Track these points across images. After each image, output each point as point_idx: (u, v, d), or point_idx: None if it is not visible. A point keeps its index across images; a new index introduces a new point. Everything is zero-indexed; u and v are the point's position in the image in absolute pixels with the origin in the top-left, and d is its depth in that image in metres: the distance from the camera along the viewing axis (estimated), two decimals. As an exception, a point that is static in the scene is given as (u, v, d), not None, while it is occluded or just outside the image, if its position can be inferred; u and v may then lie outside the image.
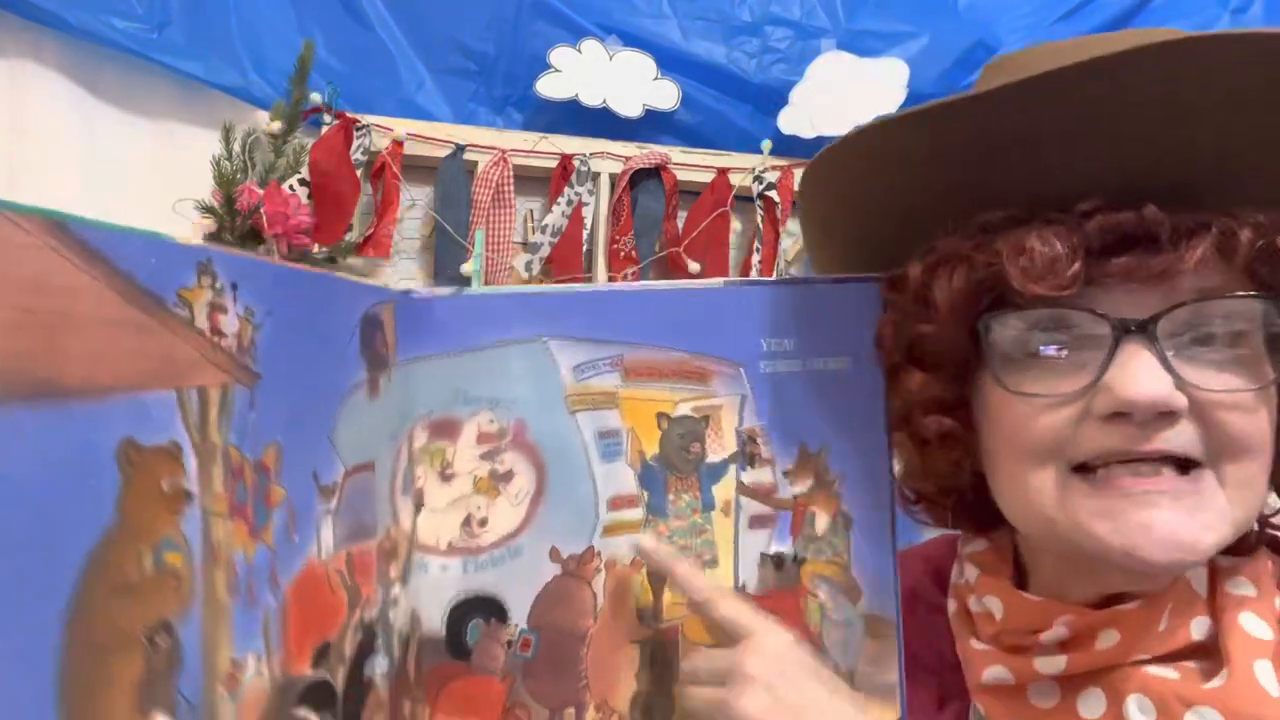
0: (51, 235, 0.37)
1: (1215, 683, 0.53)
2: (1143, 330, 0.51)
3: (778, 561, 0.62)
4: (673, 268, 1.57)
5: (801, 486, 0.62)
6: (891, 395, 0.61)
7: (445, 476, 0.60)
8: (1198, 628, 0.56)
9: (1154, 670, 0.54)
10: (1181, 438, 0.51)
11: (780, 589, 0.62)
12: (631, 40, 1.59)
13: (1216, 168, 0.52)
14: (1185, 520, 0.51)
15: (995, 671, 0.58)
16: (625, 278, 1.53)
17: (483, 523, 0.60)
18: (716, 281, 0.62)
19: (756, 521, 0.62)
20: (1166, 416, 0.50)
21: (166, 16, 1.44)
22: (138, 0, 1.42)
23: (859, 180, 0.59)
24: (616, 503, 0.61)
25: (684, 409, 0.62)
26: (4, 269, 0.34)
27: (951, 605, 0.64)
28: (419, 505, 0.59)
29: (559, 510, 0.61)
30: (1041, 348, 0.54)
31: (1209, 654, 0.55)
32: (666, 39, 1.60)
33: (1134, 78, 0.49)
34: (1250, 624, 0.55)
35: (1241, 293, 0.52)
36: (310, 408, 0.49)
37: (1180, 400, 0.50)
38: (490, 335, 0.60)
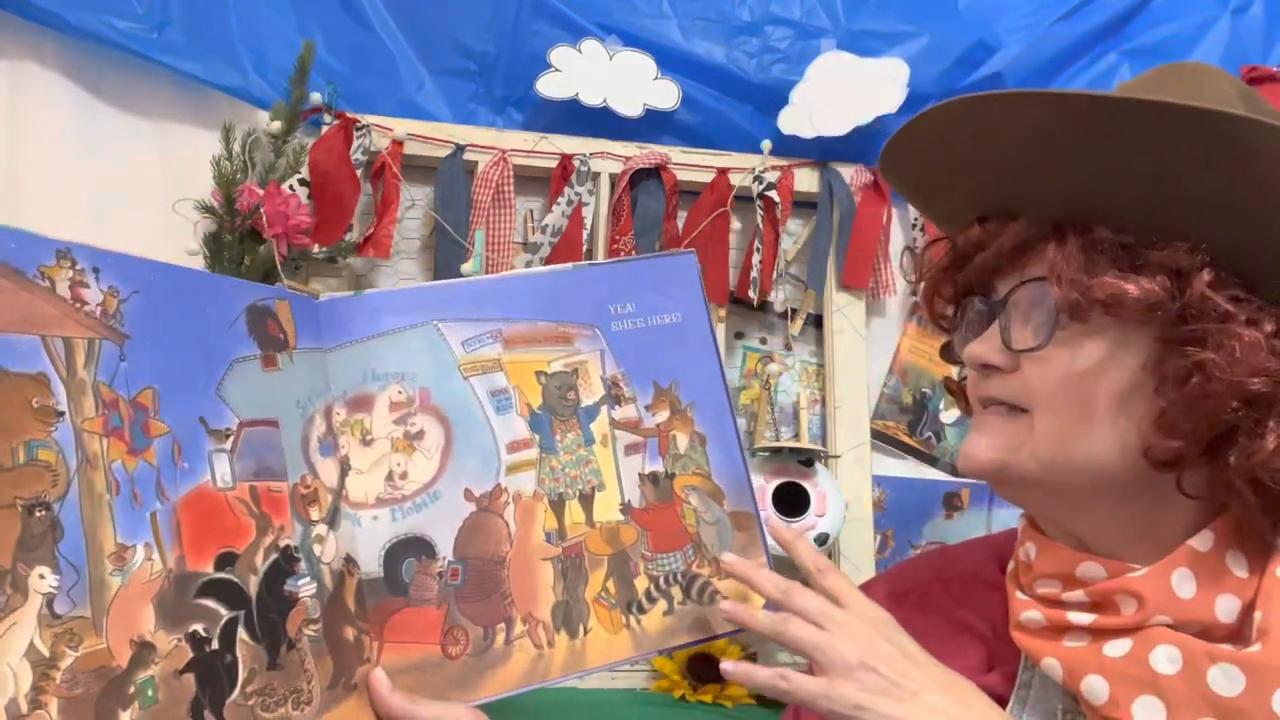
0: None
1: (1251, 649, 0.59)
2: (999, 305, 0.69)
3: (653, 479, 0.76)
4: (673, 268, 1.57)
5: (662, 416, 0.77)
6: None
7: (366, 442, 0.72)
8: (1224, 605, 0.62)
9: (1185, 635, 0.61)
10: (1001, 387, 0.68)
11: (659, 501, 0.76)
12: (631, 40, 1.59)
13: (1032, 187, 0.67)
14: (977, 444, 0.69)
15: (1030, 614, 0.68)
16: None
17: (404, 476, 0.72)
18: (567, 266, 0.79)
19: (630, 449, 0.76)
20: (991, 369, 0.68)
21: (166, 16, 1.44)
22: (138, 0, 1.42)
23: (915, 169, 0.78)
24: (514, 446, 0.74)
25: (557, 365, 0.76)
26: None
27: (1010, 566, 0.75)
28: (345, 469, 0.71)
29: (467, 458, 0.73)
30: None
31: (1239, 637, 0.61)
32: (666, 39, 1.60)
33: (963, 126, 0.68)
34: None
35: (1026, 279, 0.67)
36: (189, 366, 0.62)
37: (995, 358, 0.68)
38: (389, 324, 0.73)
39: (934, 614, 0.78)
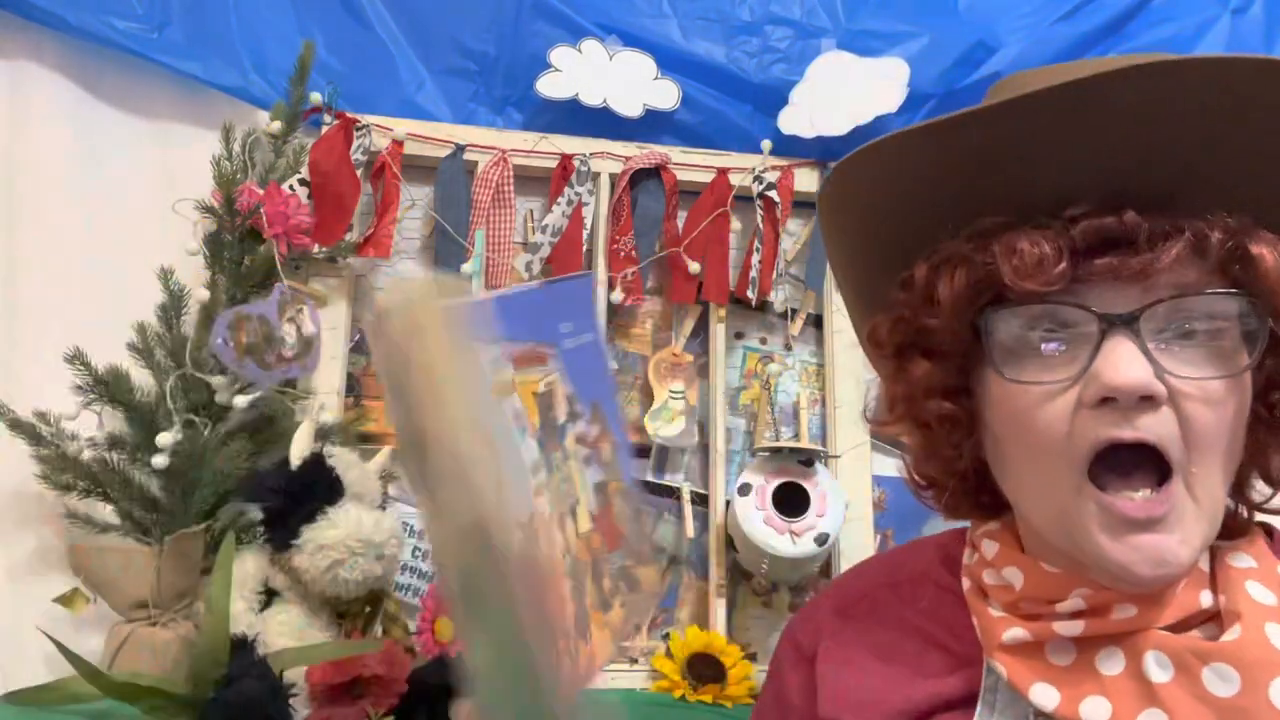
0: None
1: (1228, 636, 0.58)
2: (1126, 323, 0.56)
3: (600, 488, 0.80)
4: (673, 268, 1.57)
5: (596, 430, 0.81)
6: (894, 385, 0.70)
7: None
8: (1205, 597, 0.61)
9: (1166, 633, 0.59)
10: (1161, 426, 0.56)
11: (602, 507, 0.80)
12: (631, 40, 1.59)
13: (1188, 176, 0.57)
14: (1166, 539, 0.57)
15: (1015, 633, 0.63)
16: (625, 278, 1.53)
17: None
18: (531, 285, 0.83)
19: (585, 461, 0.80)
20: (1147, 402, 0.56)
21: (166, 16, 1.44)
22: (138, 0, 1.41)
23: (874, 189, 0.66)
24: (534, 469, 0.74)
25: (541, 386, 0.77)
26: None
27: (966, 583, 0.71)
28: None
29: (513, 487, 0.72)
30: (1036, 341, 0.60)
31: (1215, 621, 0.61)
32: (666, 39, 1.60)
33: (1111, 97, 0.55)
34: (1256, 591, 0.60)
35: (1212, 290, 0.57)
36: None
37: (1159, 386, 0.55)
38: None
39: (886, 620, 0.75)
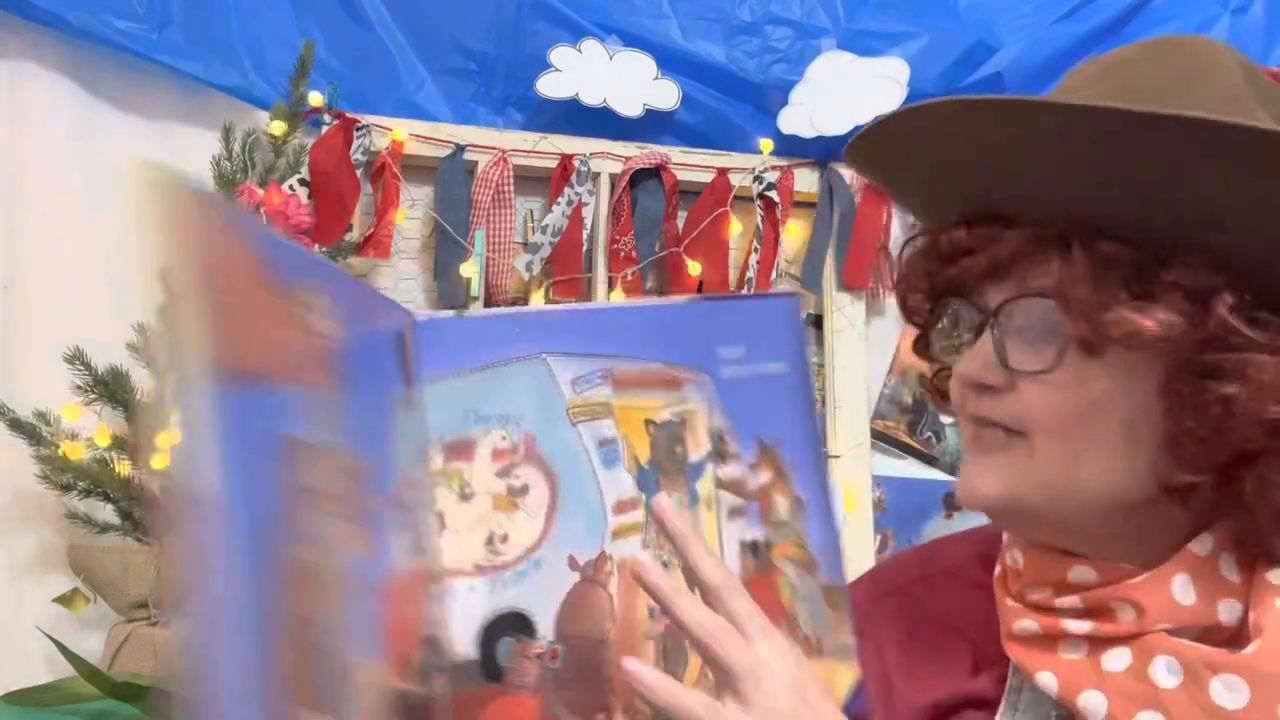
0: (221, 215, 0.38)
1: (1246, 650, 0.57)
2: (991, 316, 0.62)
3: (754, 548, 0.68)
4: (672, 268, 1.57)
5: (765, 477, 0.68)
6: None
7: (465, 496, 0.62)
8: (1226, 610, 0.60)
9: (1185, 641, 0.59)
10: (997, 408, 0.62)
11: (758, 574, 0.67)
12: (631, 40, 1.59)
13: (1030, 192, 0.61)
14: (978, 475, 0.63)
15: (1024, 624, 0.63)
16: (625, 278, 1.53)
17: (504, 539, 0.62)
18: (680, 299, 0.70)
19: (734, 513, 0.67)
20: (985, 388, 0.62)
21: (166, 16, 1.44)
22: (138, 0, 1.41)
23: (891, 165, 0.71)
24: (620, 506, 0.64)
25: (666, 414, 0.67)
26: (213, 251, 0.36)
27: (997, 570, 0.70)
28: (440, 530, 0.61)
29: (573, 519, 0.63)
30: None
31: (1240, 639, 0.59)
32: (666, 39, 1.60)
33: (954, 128, 0.61)
34: None
35: (1026, 292, 0.60)
36: (378, 419, 0.52)
37: (991, 378, 0.61)
38: (492, 355, 0.63)
39: (916, 616, 0.74)
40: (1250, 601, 0.60)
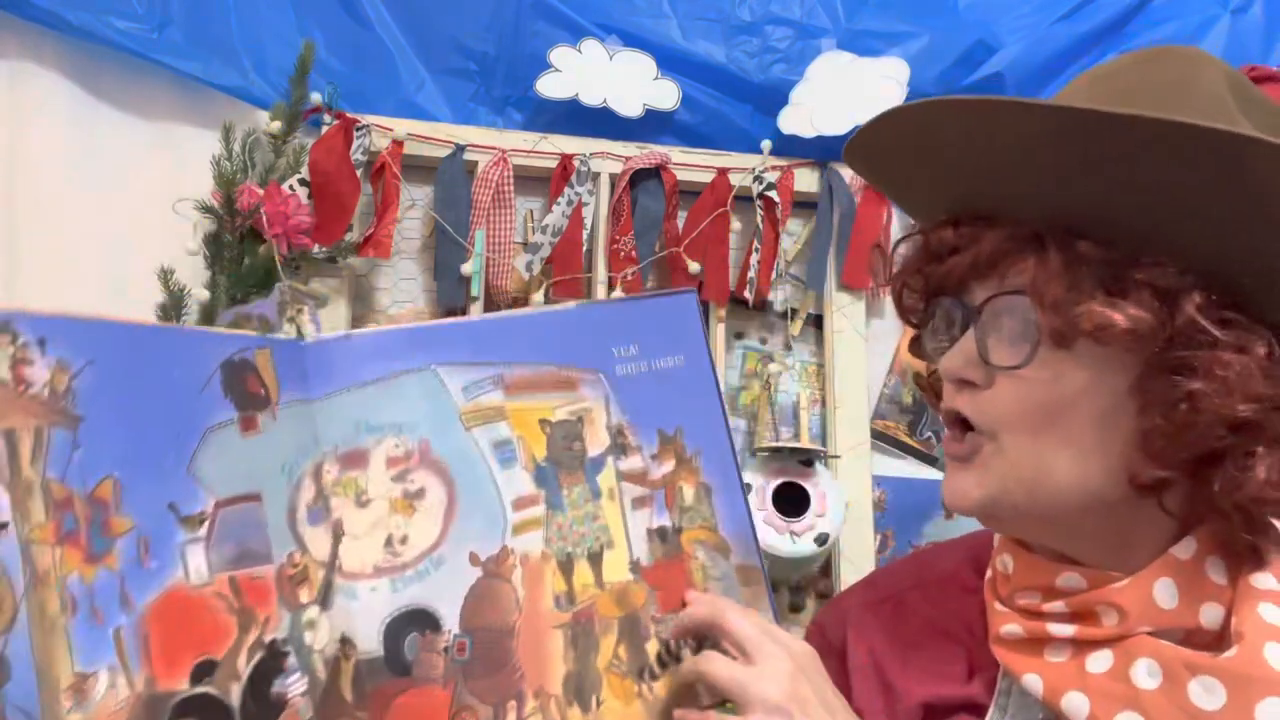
0: None
1: (1226, 654, 0.58)
2: (974, 313, 0.64)
3: (661, 534, 0.71)
4: (672, 268, 1.57)
5: (668, 466, 0.71)
6: None
7: (362, 503, 0.64)
8: (1209, 614, 0.61)
9: (1166, 642, 0.60)
10: (973, 406, 0.64)
11: (667, 558, 0.70)
12: (631, 40, 1.59)
13: (1008, 192, 0.63)
14: (958, 480, 0.65)
15: (1010, 628, 0.65)
16: (625, 278, 1.53)
17: (404, 540, 0.65)
18: (568, 304, 0.76)
19: (638, 502, 0.70)
20: (965, 384, 0.64)
21: (166, 16, 1.44)
22: (138, 0, 1.41)
23: (891, 165, 0.73)
24: (520, 503, 0.68)
25: (561, 414, 0.70)
26: None
27: (988, 574, 0.72)
28: (339, 536, 0.63)
29: (471, 518, 0.66)
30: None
31: (1222, 642, 0.60)
32: (666, 39, 1.60)
33: (939, 128, 0.63)
34: (1268, 612, 0.60)
35: (1005, 289, 0.63)
36: (155, 444, 0.54)
37: (971, 373, 0.64)
38: (382, 369, 0.67)
39: (912, 621, 0.76)
40: (1234, 605, 0.61)
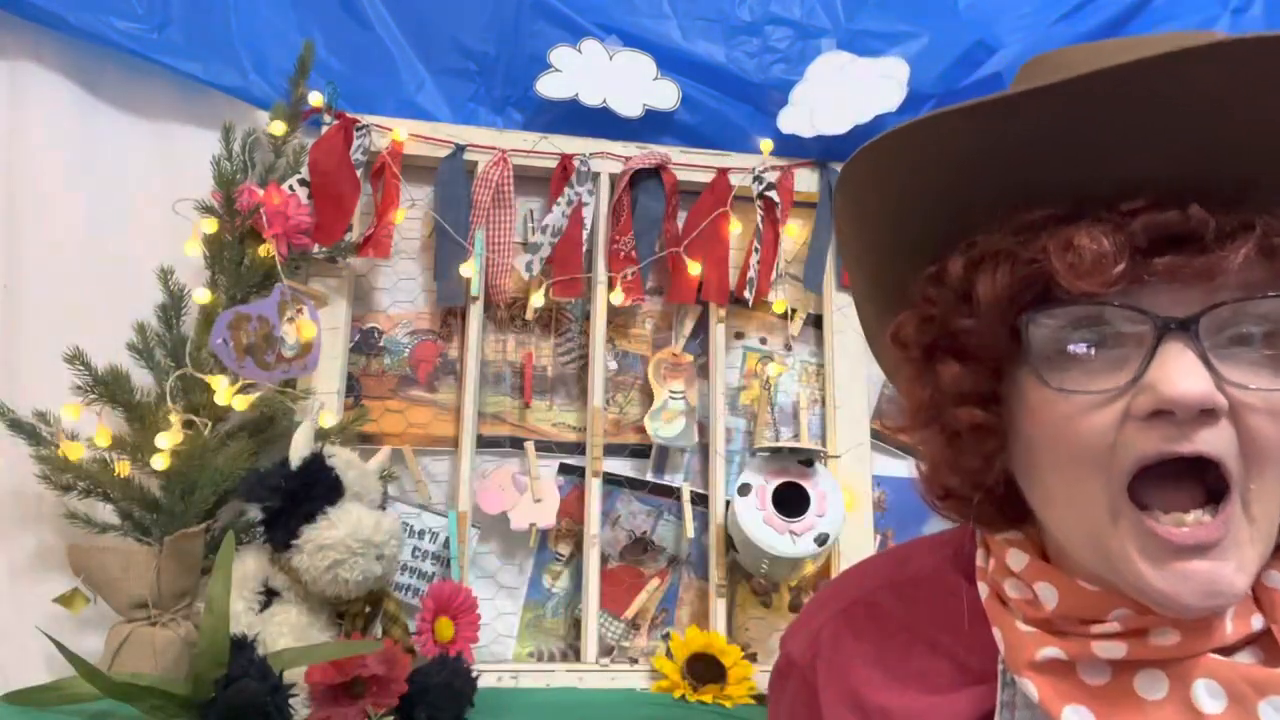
0: None
1: None
2: (1184, 328, 0.51)
3: None
4: (673, 268, 1.57)
5: None
6: (918, 390, 0.62)
7: None
8: (1256, 623, 0.56)
9: (1217, 657, 0.54)
10: (1220, 440, 0.51)
11: None
12: (631, 40, 1.59)
13: (1262, 170, 0.52)
14: (1220, 567, 0.51)
15: (1049, 652, 0.58)
16: (625, 278, 1.53)
17: None
18: None
19: None
20: (1207, 415, 0.51)
21: (166, 16, 1.44)
22: (138, 0, 1.41)
23: (901, 176, 0.59)
24: None
25: None
26: None
27: (984, 590, 0.65)
28: None
29: None
30: (1083, 345, 0.54)
31: (1264, 645, 0.56)
32: (666, 39, 1.60)
33: (1180, 80, 0.49)
34: None
35: (1249, 296, 0.51)
36: None
37: (1220, 399, 0.50)
38: None
39: (888, 624, 0.69)
40: (1264, 609, 0.56)
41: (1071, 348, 0.54)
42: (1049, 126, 0.52)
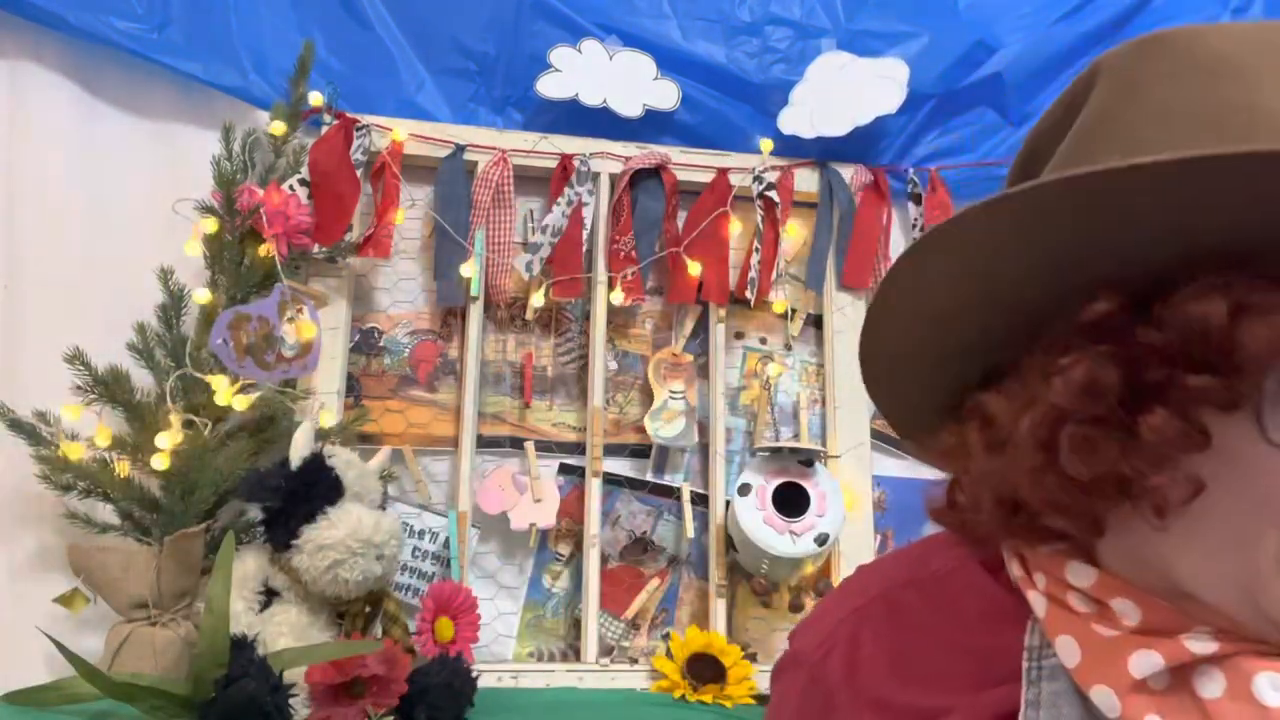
0: None
1: None
2: None
3: None
4: (673, 268, 1.57)
5: None
6: (1105, 444, 0.55)
7: None
8: None
9: (1264, 646, 0.53)
10: None
11: None
12: (631, 40, 1.59)
13: None
14: None
15: (1148, 659, 0.55)
16: (625, 278, 1.53)
17: None
18: None
19: None
20: None
21: (166, 16, 1.44)
22: (138, 0, 1.41)
23: (957, 283, 0.55)
24: None
25: None
26: None
27: (1040, 602, 0.61)
28: None
29: None
30: None
31: None
32: (666, 39, 1.60)
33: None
34: None
35: None
36: None
37: None
38: None
39: (909, 622, 0.68)
40: None
41: None
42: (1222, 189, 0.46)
